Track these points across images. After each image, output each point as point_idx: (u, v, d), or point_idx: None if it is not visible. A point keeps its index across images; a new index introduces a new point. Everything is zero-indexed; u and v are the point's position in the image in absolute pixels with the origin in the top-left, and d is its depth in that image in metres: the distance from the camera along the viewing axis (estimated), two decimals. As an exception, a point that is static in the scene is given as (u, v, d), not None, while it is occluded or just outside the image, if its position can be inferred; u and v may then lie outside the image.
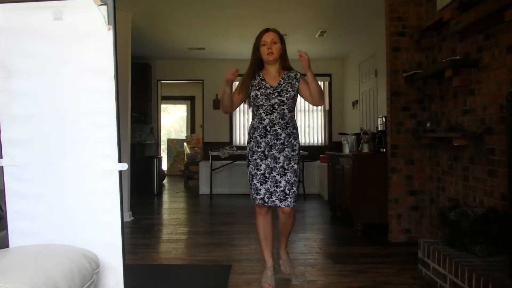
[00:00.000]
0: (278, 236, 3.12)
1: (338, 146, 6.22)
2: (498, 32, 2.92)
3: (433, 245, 2.96)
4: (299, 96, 2.98)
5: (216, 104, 8.80)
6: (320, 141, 8.94)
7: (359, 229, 4.48)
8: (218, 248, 4.00)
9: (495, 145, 2.93)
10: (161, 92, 9.35)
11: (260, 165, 2.90)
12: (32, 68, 2.15)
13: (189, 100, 12.01)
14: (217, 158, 7.46)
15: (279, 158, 2.88)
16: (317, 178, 7.63)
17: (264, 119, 2.91)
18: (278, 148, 2.89)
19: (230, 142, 8.73)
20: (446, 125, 3.61)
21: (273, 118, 2.90)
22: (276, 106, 2.89)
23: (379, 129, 5.12)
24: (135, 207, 5.97)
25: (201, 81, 8.95)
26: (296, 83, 2.94)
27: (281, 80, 2.94)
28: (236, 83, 3.06)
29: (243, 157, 6.96)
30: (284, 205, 2.87)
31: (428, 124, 3.81)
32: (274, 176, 2.87)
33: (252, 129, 2.97)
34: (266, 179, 2.88)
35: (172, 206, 6.78)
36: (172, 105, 13.05)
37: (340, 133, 6.37)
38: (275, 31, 2.95)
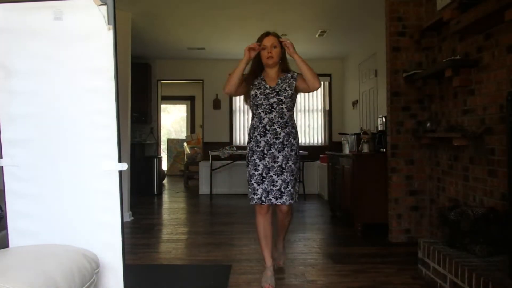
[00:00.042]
0: (276, 230, 3.24)
1: (338, 146, 6.21)
2: (498, 32, 2.92)
3: (433, 245, 2.96)
4: (299, 96, 3.01)
5: (216, 104, 8.81)
6: (320, 141, 8.94)
7: (359, 229, 4.48)
8: (218, 248, 4.00)
9: (495, 145, 2.93)
10: (161, 92, 9.34)
11: (258, 165, 2.93)
12: (32, 68, 2.14)
13: (189, 100, 12.01)
14: (217, 158, 7.46)
15: (278, 157, 2.92)
16: (317, 178, 7.63)
17: (264, 118, 2.95)
18: (277, 147, 2.92)
19: (230, 142, 8.73)
20: (446, 125, 3.61)
21: (272, 117, 2.93)
22: (275, 105, 2.93)
23: (379, 129, 5.12)
24: (135, 207, 5.98)
25: (201, 81, 8.95)
26: (294, 81, 2.99)
27: (279, 80, 3.00)
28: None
29: (243, 157, 6.96)
30: (280, 203, 2.92)
31: (428, 124, 3.81)
32: (271, 176, 2.92)
33: (252, 129, 3.00)
34: (264, 179, 2.92)
35: (172, 206, 6.78)
36: (172, 105, 13.05)
37: (340, 133, 6.37)
38: (275, 35, 3.00)
